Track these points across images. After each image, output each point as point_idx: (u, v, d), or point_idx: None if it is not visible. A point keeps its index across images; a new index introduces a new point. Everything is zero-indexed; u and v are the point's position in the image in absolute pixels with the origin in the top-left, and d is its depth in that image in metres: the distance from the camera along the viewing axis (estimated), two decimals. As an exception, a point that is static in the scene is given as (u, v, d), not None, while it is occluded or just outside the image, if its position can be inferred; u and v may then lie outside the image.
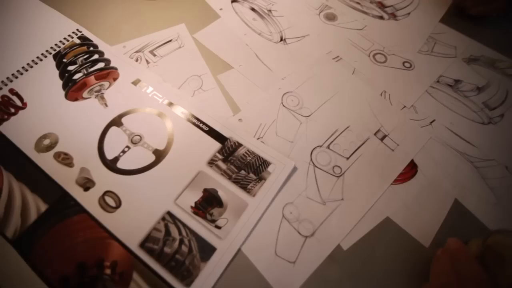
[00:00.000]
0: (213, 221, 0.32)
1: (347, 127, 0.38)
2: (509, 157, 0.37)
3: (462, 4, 0.48)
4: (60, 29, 0.45)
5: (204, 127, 0.37)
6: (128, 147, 0.36)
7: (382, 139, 0.38)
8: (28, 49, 0.43)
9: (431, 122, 0.39)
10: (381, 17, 0.50)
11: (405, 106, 0.41)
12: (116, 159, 0.35)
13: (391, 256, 0.31)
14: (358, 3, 0.52)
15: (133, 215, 0.32)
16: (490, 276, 0.23)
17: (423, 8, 0.51)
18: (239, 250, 0.31)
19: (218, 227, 0.31)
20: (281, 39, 0.46)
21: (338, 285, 0.30)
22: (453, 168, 0.36)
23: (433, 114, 0.40)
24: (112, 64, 0.42)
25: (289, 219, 0.32)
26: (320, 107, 0.40)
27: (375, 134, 0.38)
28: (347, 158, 0.36)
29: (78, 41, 0.44)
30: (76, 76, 0.41)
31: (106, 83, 0.40)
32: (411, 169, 0.36)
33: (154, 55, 0.44)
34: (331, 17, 0.49)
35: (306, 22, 0.49)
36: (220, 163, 0.35)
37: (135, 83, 0.41)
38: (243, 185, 0.34)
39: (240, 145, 0.36)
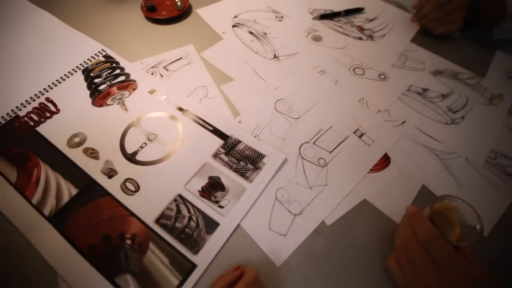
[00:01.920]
0: (216, 202, 0.38)
1: (330, 127, 0.45)
2: (468, 150, 0.44)
3: (427, 26, 0.57)
4: (88, 49, 0.53)
5: (209, 127, 0.44)
6: (145, 143, 0.42)
7: (360, 136, 0.44)
8: (62, 65, 0.51)
9: (402, 123, 0.46)
10: (360, 38, 0.58)
11: (380, 110, 0.48)
12: (135, 153, 0.41)
13: (368, 231, 0.37)
14: (340, 27, 0.60)
15: (150, 197, 0.38)
16: (440, 232, 0.28)
17: (396, 30, 0.60)
18: (238, 225, 0.36)
19: (221, 207, 0.37)
20: (275, 57, 0.55)
21: (322, 255, 0.35)
22: (421, 159, 0.42)
23: (404, 116, 0.47)
24: (131, 77, 0.50)
25: (281, 200, 0.38)
26: (308, 111, 0.47)
27: (354, 132, 0.45)
28: (330, 152, 0.43)
29: (102, 59, 0.52)
30: (101, 87, 0.49)
31: (126, 93, 0.48)
32: (385, 161, 0.42)
33: (167, 70, 0.52)
34: (317, 38, 0.58)
35: (296, 42, 0.57)
36: (223, 156, 0.41)
37: (151, 92, 0.48)
38: (242, 173, 0.40)
39: (239, 141, 0.43)
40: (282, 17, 0.62)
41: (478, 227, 0.29)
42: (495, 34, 0.68)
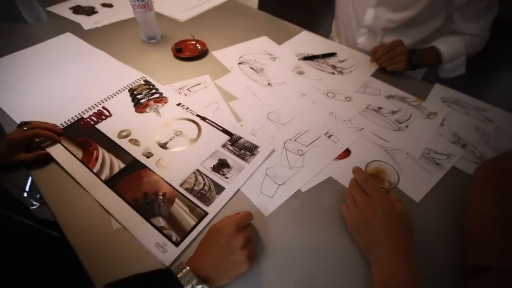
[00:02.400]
0: (223, 175, 0.53)
1: (307, 130, 0.62)
2: (409, 148, 0.59)
3: (382, 65, 0.77)
4: (133, 76, 0.73)
5: (219, 128, 0.61)
6: (173, 137, 0.59)
7: (329, 137, 0.61)
8: (114, 85, 0.70)
9: (361, 129, 0.63)
10: (333, 73, 0.78)
11: (345, 120, 0.65)
12: (166, 142, 0.58)
13: (330, 196, 0.51)
14: (318, 65, 0.81)
15: (176, 170, 0.53)
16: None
17: (360, 68, 0.80)
18: (238, 189, 0.51)
19: (227, 178, 0.52)
20: (268, 84, 0.74)
21: (297, 210, 0.49)
22: (373, 152, 0.58)
23: (363, 125, 0.64)
24: (163, 95, 0.68)
25: (269, 175, 0.53)
26: (291, 120, 0.64)
27: (325, 134, 0.61)
28: (306, 146, 0.59)
29: (143, 82, 0.72)
30: (142, 100, 0.67)
31: (160, 105, 0.66)
32: (346, 153, 0.58)
33: (189, 91, 0.70)
34: (300, 73, 0.78)
35: (284, 75, 0.77)
36: (229, 146, 0.57)
37: (177, 104, 0.66)
38: (242, 157, 0.55)
39: (241, 137, 0.59)
40: (275, 58, 0.83)
41: (397, 180, 0.44)
42: (440, 74, 0.89)
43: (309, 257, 0.43)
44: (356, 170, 0.46)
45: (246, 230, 0.41)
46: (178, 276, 0.36)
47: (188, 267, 0.37)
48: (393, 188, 0.46)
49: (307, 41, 0.91)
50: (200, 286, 0.36)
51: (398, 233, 0.39)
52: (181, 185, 0.51)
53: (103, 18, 0.96)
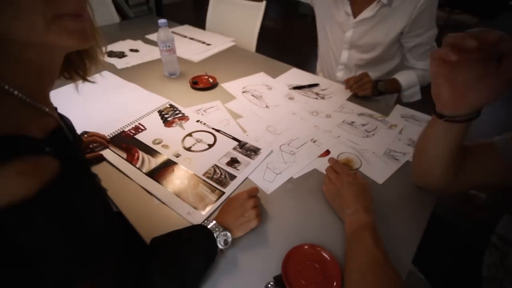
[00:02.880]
0: (235, 168, 0.70)
1: (297, 138, 0.81)
2: (375, 148, 0.78)
3: (354, 91, 0.99)
4: (160, 101, 0.94)
5: (230, 136, 0.80)
6: (195, 143, 0.77)
7: (313, 142, 0.80)
8: (146, 109, 0.90)
9: (338, 137, 0.82)
10: (316, 98, 1.00)
11: (326, 131, 0.84)
12: (190, 147, 0.76)
13: (315, 181, 0.68)
14: (305, 93, 1.03)
15: (199, 165, 0.70)
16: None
17: (338, 94, 1.02)
18: (247, 177, 0.68)
19: (238, 170, 0.70)
20: (266, 106, 0.94)
21: (291, 191, 0.65)
22: (348, 151, 0.76)
23: (339, 133, 0.83)
24: (185, 115, 0.88)
25: (270, 168, 0.71)
26: (285, 131, 0.83)
27: (310, 140, 0.80)
28: (297, 148, 0.77)
29: (168, 106, 0.92)
30: (169, 119, 0.86)
31: (183, 121, 0.85)
32: (326, 152, 0.76)
33: (205, 112, 0.90)
34: (291, 98, 0.99)
35: (279, 100, 0.98)
36: (238, 148, 0.76)
37: (197, 121, 0.86)
38: (249, 156, 0.73)
39: (247, 143, 0.78)
40: (271, 88, 1.05)
41: (360, 164, 0.62)
42: (403, 99, 1.11)
43: (299, 220, 0.59)
44: (330, 159, 0.64)
45: (255, 197, 0.58)
46: (209, 226, 0.52)
47: (215, 221, 0.53)
48: (359, 171, 0.64)
49: (296, 75, 1.14)
50: (224, 232, 0.52)
51: (359, 195, 0.56)
52: (203, 175, 0.68)
53: (132, 60, 1.20)
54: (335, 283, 0.47)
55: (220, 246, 0.50)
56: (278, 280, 0.48)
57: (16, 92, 0.32)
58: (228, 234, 0.52)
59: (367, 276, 0.44)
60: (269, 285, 0.48)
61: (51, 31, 0.30)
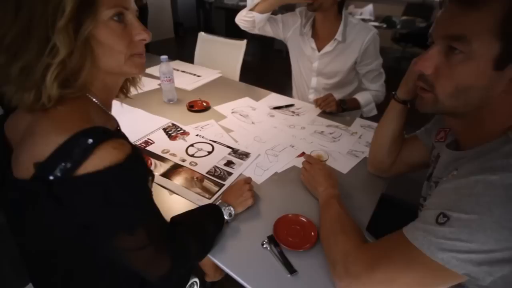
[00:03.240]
0: (231, 167, 0.88)
1: (279, 144, 1.01)
2: (341, 149, 0.99)
3: (322, 109, 1.23)
4: (164, 122, 1.12)
5: (225, 145, 0.98)
6: (197, 151, 0.95)
7: (292, 147, 1.00)
8: (153, 127, 1.07)
9: (311, 142, 1.03)
10: (292, 115, 1.22)
11: (301, 138, 1.05)
12: (193, 154, 0.93)
13: (294, 174, 0.87)
14: (283, 112, 1.25)
15: (202, 167, 0.88)
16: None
17: (309, 111, 1.25)
18: (241, 173, 0.86)
19: (233, 168, 0.87)
20: (252, 123, 1.15)
21: (276, 181, 0.84)
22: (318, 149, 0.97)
23: (312, 139, 1.04)
24: (186, 131, 1.06)
25: (258, 166, 0.89)
26: (268, 140, 1.03)
27: (289, 146, 1.00)
28: (279, 152, 0.97)
29: (171, 124, 1.10)
30: (173, 134, 1.04)
31: (185, 136, 1.03)
32: (302, 153, 0.96)
33: (202, 128, 1.09)
34: (272, 116, 1.21)
35: (262, 118, 1.19)
36: (232, 154, 0.94)
37: (196, 135, 1.04)
38: (241, 158, 0.92)
39: (239, 149, 0.97)
40: (255, 108, 1.27)
41: (327, 157, 0.82)
42: (363, 114, 1.36)
43: (283, 200, 0.77)
44: (305, 155, 0.84)
45: (249, 184, 0.75)
46: (217, 203, 0.69)
47: (220, 200, 0.70)
48: (328, 164, 0.83)
49: (275, 98, 1.37)
50: (228, 207, 0.68)
51: (328, 177, 0.75)
52: (206, 173, 0.85)
53: (133, 90, 1.38)
54: (312, 234, 0.64)
55: (226, 218, 0.67)
56: (271, 238, 0.65)
57: (97, 102, 0.50)
58: (232, 208, 0.68)
59: (335, 225, 0.62)
60: (264, 243, 0.64)
61: (127, 65, 0.49)
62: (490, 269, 0.40)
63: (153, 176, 0.57)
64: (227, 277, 1.08)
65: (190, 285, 0.86)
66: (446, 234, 0.42)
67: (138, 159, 0.49)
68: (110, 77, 0.51)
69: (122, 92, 0.63)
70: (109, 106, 0.55)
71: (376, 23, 3.88)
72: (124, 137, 0.54)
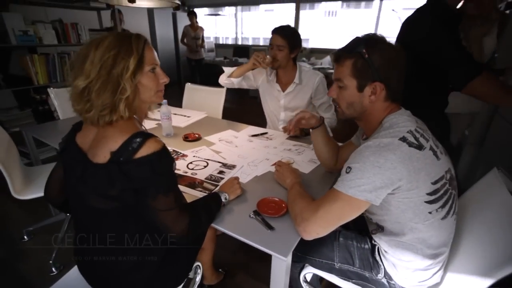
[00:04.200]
0: (223, 174, 1.18)
1: (257, 159, 1.33)
2: (303, 159, 1.32)
3: (290, 134, 1.59)
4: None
5: (216, 161, 1.29)
6: (195, 167, 1.24)
7: (267, 160, 1.32)
8: (158, 153, 1.37)
9: (282, 156, 1.36)
10: (267, 139, 1.57)
11: (274, 154, 1.38)
12: (193, 168, 1.23)
13: (270, 175, 1.18)
14: (259, 138, 1.59)
15: (201, 175, 1.17)
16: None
17: (280, 137, 1.61)
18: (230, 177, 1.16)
19: (224, 174, 1.17)
20: (236, 146, 1.48)
21: (257, 181, 1.14)
22: (289, 159, 1.30)
23: (282, 154, 1.38)
24: (185, 153, 1.36)
25: (243, 172, 1.20)
26: (249, 156, 1.35)
27: (265, 159, 1.33)
28: (258, 163, 1.28)
29: (172, 150, 1.40)
30: (174, 156, 1.33)
31: (184, 157, 1.33)
32: (275, 163, 1.28)
33: (197, 152, 1.40)
34: (251, 141, 1.55)
35: (243, 143, 1.52)
36: (222, 166, 1.25)
37: (193, 156, 1.34)
38: (229, 168, 1.22)
39: (227, 163, 1.27)
40: (237, 137, 1.60)
41: (293, 161, 1.15)
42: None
43: (262, 190, 1.07)
44: (277, 162, 1.17)
45: (237, 179, 1.05)
46: (215, 190, 0.97)
47: (218, 189, 0.99)
48: (293, 166, 1.16)
49: (252, 129, 1.73)
50: (224, 194, 0.97)
51: (293, 172, 1.07)
52: (205, 178, 1.14)
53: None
54: (283, 205, 0.94)
55: (223, 200, 0.95)
56: (255, 212, 0.93)
57: (137, 119, 0.82)
58: (226, 195, 0.97)
59: (296, 196, 0.92)
60: (250, 214, 0.92)
61: (154, 97, 0.83)
62: (376, 193, 0.72)
63: (175, 162, 0.86)
64: (223, 282, 1.40)
65: (195, 268, 1.08)
66: (350, 177, 0.74)
67: (167, 150, 0.79)
68: (144, 104, 0.83)
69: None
70: (142, 122, 0.86)
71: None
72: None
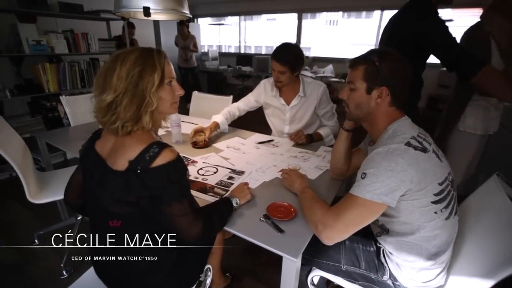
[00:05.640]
0: (232, 180, 1.22)
1: (264, 165, 1.38)
2: (309, 165, 1.37)
3: (295, 141, 1.64)
4: (176, 155, 1.47)
5: (225, 167, 1.34)
6: (205, 172, 1.29)
7: (274, 166, 1.37)
8: (169, 159, 1.42)
9: (288, 163, 1.41)
10: (273, 147, 1.62)
11: (281, 160, 1.43)
12: (203, 174, 1.28)
13: (278, 181, 1.22)
14: (266, 145, 1.64)
15: (212, 181, 1.21)
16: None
17: (286, 144, 1.66)
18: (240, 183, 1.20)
19: (234, 180, 1.22)
20: (243, 153, 1.53)
21: (265, 186, 1.19)
22: (294, 164, 1.34)
23: (289, 161, 1.42)
24: (195, 160, 1.41)
25: (252, 178, 1.24)
26: (256, 163, 1.40)
27: (272, 165, 1.37)
28: (265, 170, 1.33)
29: (182, 157, 1.45)
30: (185, 162, 1.38)
31: (195, 163, 1.38)
32: (282, 170, 1.33)
33: (206, 158, 1.45)
34: (258, 148, 1.60)
35: (250, 150, 1.57)
36: (231, 172, 1.29)
37: (203, 163, 1.39)
38: (239, 174, 1.27)
39: (236, 169, 1.32)
40: (244, 144, 1.65)
41: (299, 168, 1.20)
42: (326, 144, 1.78)
43: (270, 195, 1.11)
44: (283, 169, 1.22)
45: (247, 185, 1.10)
46: (226, 195, 1.02)
47: (230, 194, 1.03)
48: (300, 172, 1.21)
49: (259, 137, 1.79)
50: (235, 199, 1.01)
51: (301, 177, 1.12)
52: (215, 184, 1.19)
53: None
54: (292, 209, 0.98)
55: (234, 205, 0.99)
56: (265, 215, 0.98)
57: (153, 129, 0.87)
58: (237, 199, 1.01)
59: (311, 202, 0.95)
60: (261, 218, 0.97)
61: (170, 108, 0.88)
62: (392, 195, 0.77)
63: (188, 170, 0.91)
64: (230, 286, 1.51)
65: (206, 271, 1.12)
66: (366, 182, 0.79)
67: (182, 159, 0.84)
68: (160, 115, 0.88)
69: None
70: (157, 131, 0.91)
71: (336, 79, 4.68)
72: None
